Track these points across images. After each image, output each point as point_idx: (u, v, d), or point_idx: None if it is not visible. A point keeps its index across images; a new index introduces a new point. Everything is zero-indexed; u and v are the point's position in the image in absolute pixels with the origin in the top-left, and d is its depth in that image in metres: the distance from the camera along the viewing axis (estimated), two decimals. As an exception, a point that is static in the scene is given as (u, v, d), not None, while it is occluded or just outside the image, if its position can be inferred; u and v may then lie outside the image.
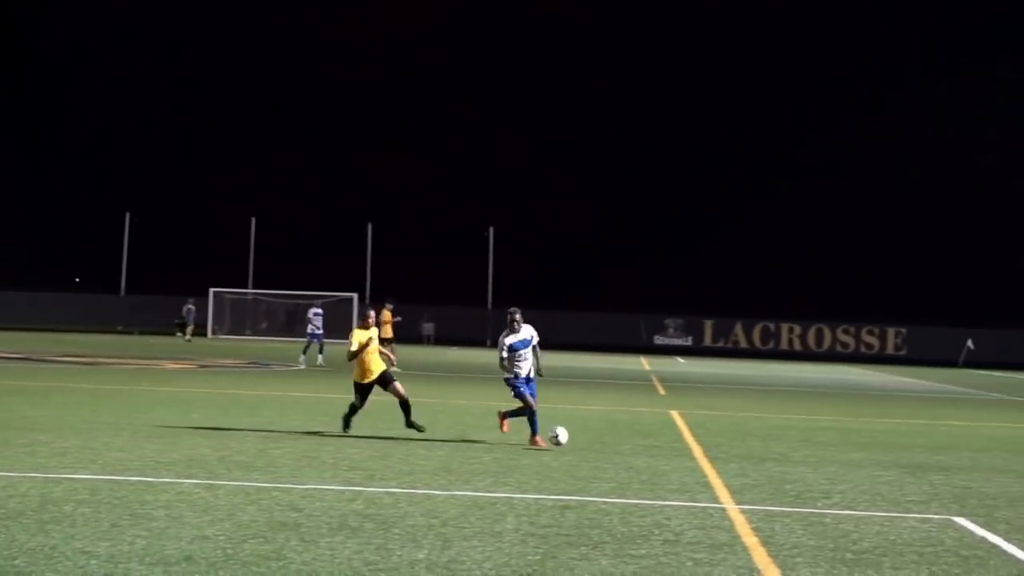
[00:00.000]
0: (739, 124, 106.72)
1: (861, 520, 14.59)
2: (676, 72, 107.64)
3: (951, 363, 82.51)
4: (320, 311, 52.06)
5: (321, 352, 50.27)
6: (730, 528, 13.58)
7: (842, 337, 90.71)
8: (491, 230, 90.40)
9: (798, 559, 11.95)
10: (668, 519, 14.00)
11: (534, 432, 21.14)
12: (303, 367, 46.99)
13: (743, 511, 14.79)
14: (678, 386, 44.20)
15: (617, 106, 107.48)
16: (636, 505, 15.00)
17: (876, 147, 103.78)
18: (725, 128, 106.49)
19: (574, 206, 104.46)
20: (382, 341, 45.77)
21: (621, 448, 21.58)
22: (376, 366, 22.52)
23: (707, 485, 17.12)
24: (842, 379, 58.44)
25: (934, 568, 11.77)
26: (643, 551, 12.02)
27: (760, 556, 12.02)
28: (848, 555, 12.29)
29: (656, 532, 13.10)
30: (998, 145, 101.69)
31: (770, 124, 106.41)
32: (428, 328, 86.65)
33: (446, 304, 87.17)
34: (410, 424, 22.05)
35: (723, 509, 14.94)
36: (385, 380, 22.43)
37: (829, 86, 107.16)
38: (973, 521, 14.75)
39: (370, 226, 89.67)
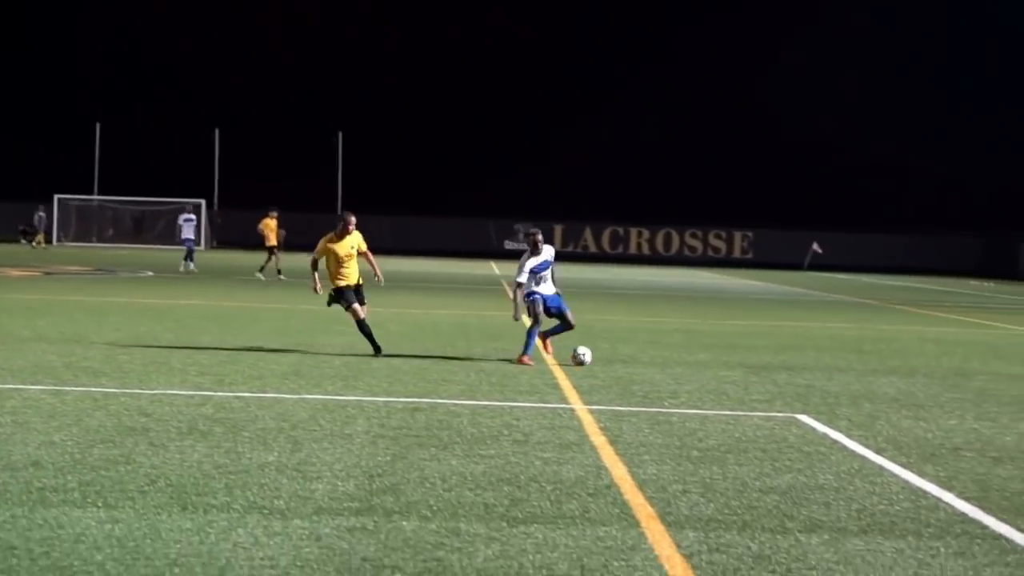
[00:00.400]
0: (584, 27, 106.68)
1: (707, 419, 14.84)
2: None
3: (797, 266, 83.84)
4: (192, 217, 51.54)
5: (190, 259, 49.87)
6: (578, 428, 13.74)
7: (690, 241, 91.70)
8: (339, 135, 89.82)
9: (645, 456, 12.14)
10: (517, 420, 14.13)
11: (544, 336, 20.75)
12: (191, 271, 47.63)
13: (591, 411, 14.97)
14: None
15: (466, 9, 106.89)
16: (486, 407, 15.12)
17: (723, 47, 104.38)
18: (574, 31, 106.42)
19: (423, 111, 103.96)
20: (270, 250, 45.67)
21: (472, 351, 21.69)
22: (353, 274, 20.69)
23: (556, 387, 17.28)
24: (690, 282, 59.14)
25: (777, 464, 12.02)
26: (492, 451, 12.12)
27: (607, 454, 12.18)
28: (694, 452, 12.50)
29: (505, 432, 13.21)
30: (828, 51, 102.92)
31: (612, 25, 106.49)
32: (279, 235, 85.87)
33: (295, 211, 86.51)
34: (375, 346, 20.49)
35: (572, 409, 15.10)
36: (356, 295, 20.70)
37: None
38: (816, 418, 15.06)
39: (217, 132, 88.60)
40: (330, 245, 20.54)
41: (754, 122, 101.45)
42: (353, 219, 20.84)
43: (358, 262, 20.86)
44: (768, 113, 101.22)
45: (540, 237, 20.67)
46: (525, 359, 20.13)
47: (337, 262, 20.54)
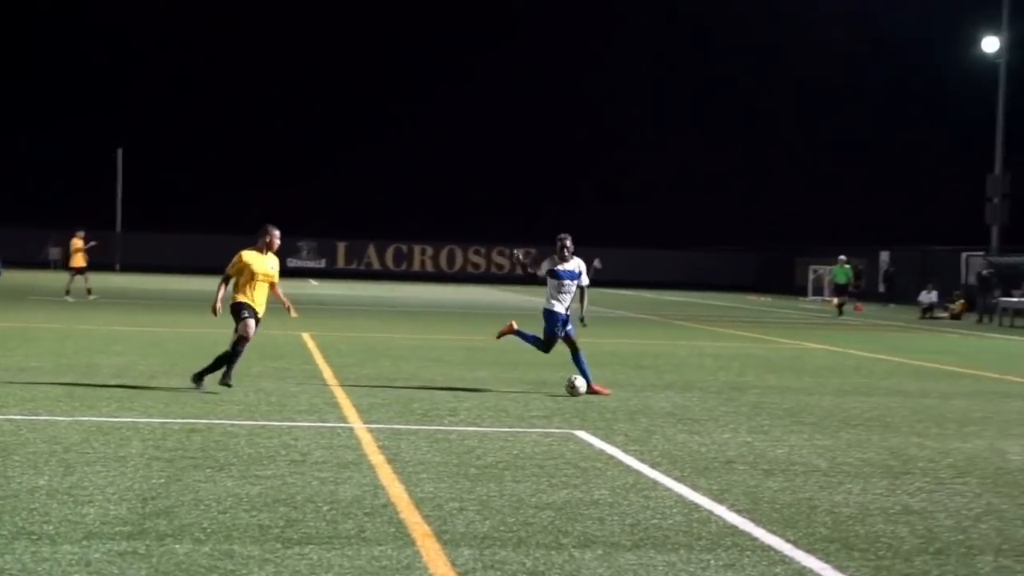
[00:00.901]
0: (368, 43, 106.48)
1: (486, 436, 14.89)
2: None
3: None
4: None
5: None
6: (357, 447, 13.69)
7: (473, 258, 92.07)
8: (120, 152, 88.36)
9: (423, 475, 12.14)
10: (296, 440, 14.02)
11: (588, 383, 19.58)
12: None
13: (371, 430, 14.93)
14: (311, 308, 44.14)
15: (247, 26, 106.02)
16: (264, 427, 14.98)
17: (496, 66, 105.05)
18: (351, 52, 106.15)
19: (205, 126, 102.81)
20: (76, 271, 44.34)
21: (251, 371, 21.46)
22: (262, 301, 18.55)
23: (336, 405, 17.20)
24: (473, 299, 59.36)
25: (553, 480, 12.11)
26: (269, 471, 12.02)
27: (385, 473, 12.16)
28: (472, 469, 12.53)
29: (283, 452, 13.11)
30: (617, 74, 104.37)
31: (394, 45, 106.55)
32: (55, 253, 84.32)
33: (72, 227, 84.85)
34: (225, 377, 18.17)
35: (351, 429, 15.04)
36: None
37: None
38: (593, 434, 15.22)
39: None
40: (248, 260, 18.31)
41: (539, 136, 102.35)
42: (278, 233, 18.67)
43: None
44: (556, 126, 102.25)
45: (570, 243, 19.91)
46: (601, 389, 19.65)
47: (251, 282, 18.34)
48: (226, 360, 18.20)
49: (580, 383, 19.20)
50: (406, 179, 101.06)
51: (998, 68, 63.63)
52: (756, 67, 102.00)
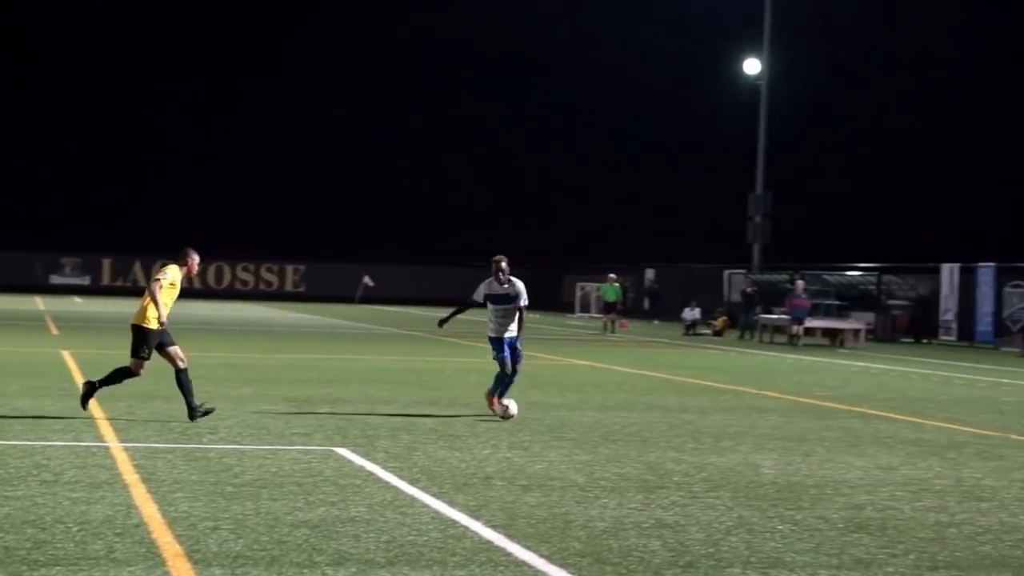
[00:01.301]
0: (156, 58, 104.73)
1: (245, 454, 14.75)
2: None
3: (349, 299, 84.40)
4: None
5: None
6: (111, 466, 13.44)
7: (242, 275, 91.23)
8: None
9: (178, 494, 11.96)
10: (48, 459, 13.72)
11: (494, 393, 19.29)
12: None
13: (127, 449, 14.68)
14: (73, 326, 43.36)
15: (27, 35, 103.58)
16: (15, 446, 14.63)
17: (269, 79, 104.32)
18: (131, 63, 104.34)
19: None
20: None
21: (7, 390, 20.99)
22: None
23: (92, 424, 16.89)
24: (240, 316, 58.83)
25: (311, 497, 12.03)
26: (19, 492, 11.74)
27: (139, 492, 11.96)
28: (228, 488, 12.39)
29: (35, 473, 12.82)
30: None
31: (189, 59, 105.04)
32: None
33: None
34: (192, 412, 17.44)
35: (107, 448, 14.78)
36: (165, 341, 17.86)
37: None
38: (354, 451, 15.17)
39: None
40: (174, 279, 17.72)
41: (307, 153, 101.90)
42: (196, 257, 18.12)
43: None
44: (319, 144, 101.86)
45: (505, 265, 19.45)
46: (495, 403, 19.19)
47: (168, 300, 17.71)
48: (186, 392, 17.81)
49: (512, 405, 18.94)
50: (173, 193, 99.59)
51: (759, 90, 65.17)
52: (522, 82, 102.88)
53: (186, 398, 17.52)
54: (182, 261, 17.90)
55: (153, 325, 17.43)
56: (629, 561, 9.87)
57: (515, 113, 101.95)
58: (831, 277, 59.94)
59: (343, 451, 15.16)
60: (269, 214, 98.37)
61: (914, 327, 56.60)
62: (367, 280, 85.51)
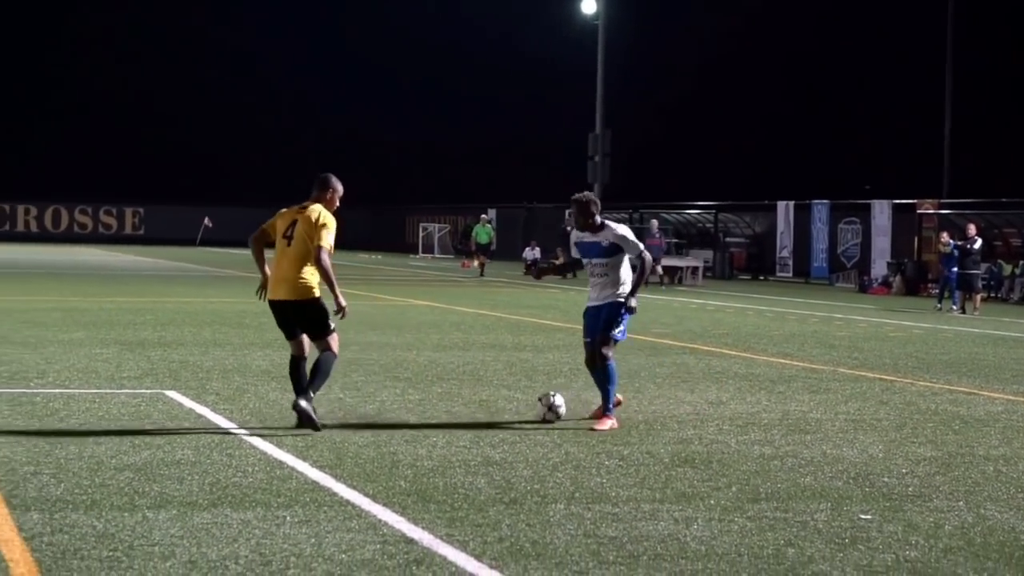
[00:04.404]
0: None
1: (72, 398, 14.56)
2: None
3: (190, 242, 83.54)
4: None
5: None
6: (-68, 412, 13.19)
7: (80, 218, 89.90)
8: None
9: (0, 439, 11.77)
10: None
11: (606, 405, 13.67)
12: None
13: (-51, 394, 14.41)
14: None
15: None
16: None
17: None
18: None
19: None
20: None
21: None
22: None
23: (-84, 370, 16.54)
24: (76, 260, 57.96)
25: (136, 441, 11.88)
26: None
27: (-40, 438, 11.77)
28: (53, 432, 12.22)
29: None
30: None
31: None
32: None
33: None
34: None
35: (-71, 393, 14.49)
36: None
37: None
38: (184, 394, 15.03)
39: None
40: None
41: (145, 95, 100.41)
42: None
43: None
44: (156, 84, 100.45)
45: (593, 207, 13.92)
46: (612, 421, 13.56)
47: None
48: None
49: (562, 402, 13.82)
50: (6, 135, 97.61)
51: (597, 29, 65.36)
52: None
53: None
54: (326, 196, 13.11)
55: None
56: (454, 499, 9.90)
57: (365, 55, 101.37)
58: (669, 215, 60.54)
59: (173, 394, 15.02)
60: (106, 156, 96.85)
61: (751, 264, 57.45)
62: (207, 222, 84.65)
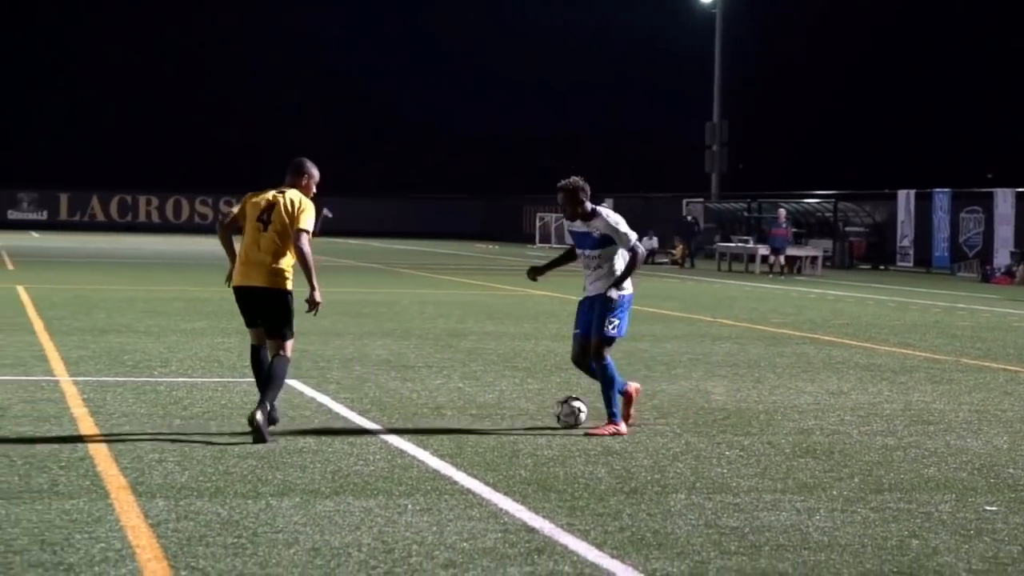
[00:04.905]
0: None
1: (195, 387, 14.73)
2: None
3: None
4: None
5: None
6: (60, 400, 13.39)
7: (200, 208, 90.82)
8: None
9: (126, 427, 11.94)
10: (8, 397, 13.65)
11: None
12: None
13: (76, 383, 14.62)
14: (29, 261, 43.12)
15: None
16: (-33, 381, 14.57)
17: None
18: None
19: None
20: None
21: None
22: None
23: (43, 359, 16.81)
24: (197, 250, 58.59)
25: (259, 429, 12.01)
26: (-35, 427, 11.71)
27: (87, 426, 11.93)
28: (177, 421, 12.38)
29: (-11, 408, 12.78)
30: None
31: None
32: None
33: None
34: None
35: (56, 382, 14.72)
36: None
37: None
38: (305, 383, 15.14)
39: None
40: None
41: (266, 90, 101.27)
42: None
43: None
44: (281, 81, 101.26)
45: (582, 195, 12.70)
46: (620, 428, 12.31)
47: None
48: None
49: (583, 408, 12.58)
50: (131, 128, 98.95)
51: (714, 17, 65.02)
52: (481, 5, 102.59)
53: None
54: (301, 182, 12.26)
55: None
56: (575, 488, 9.90)
57: (475, 42, 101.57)
58: (787, 205, 60.05)
59: (295, 383, 15.12)
60: (225, 148, 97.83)
61: (871, 254, 56.86)
62: (326, 212, 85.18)
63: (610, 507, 9.33)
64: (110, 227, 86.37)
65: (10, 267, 39.29)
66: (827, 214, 59.46)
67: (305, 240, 11.79)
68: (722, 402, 14.55)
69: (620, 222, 12.66)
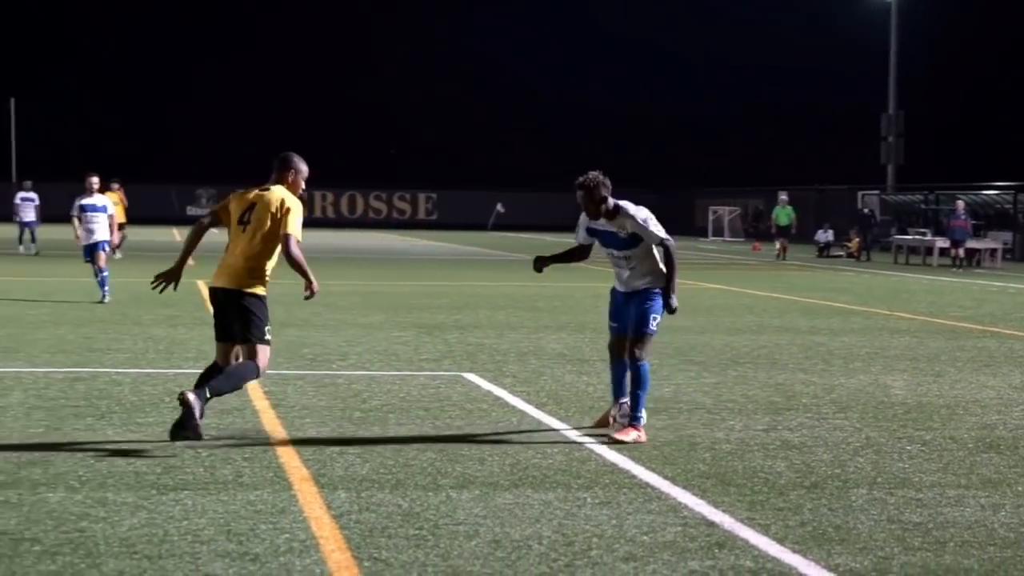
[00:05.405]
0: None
1: (374, 380, 14.88)
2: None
3: (481, 226, 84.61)
4: (32, 196, 44.50)
5: (32, 240, 43.74)
6: (241, 392, 13.52)
7: (374, 203, 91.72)
8: (12, 101, 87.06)
9: (306, 419, 12.11)
10: (180, 387, 13.85)
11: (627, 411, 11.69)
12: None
13: (257, 376, 14.83)
14: (209, 256, 43.73)
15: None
16: (149, 375, 14.87)
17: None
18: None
19: (100, 73, 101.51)
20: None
21: (142, 319, 21.32)
22: None
23: (225, 352, 17.08)
24: (372, 245, 59.23)
25: (437, 422, 12.12)
26: (152, 418, 11.96)
27: (269, 418, 12.12)
28: (356, 413, 12.52)
29: (167, 400, 13.02)
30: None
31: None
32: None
33: None
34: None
35: (238, 375, 14.94)
36: None
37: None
38: (482, 376, 15.23)
39: None
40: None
41: (422, 85, 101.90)
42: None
43: None
44: (449, 74, 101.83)
45: (603, 190, 11.69)
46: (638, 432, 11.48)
47: None
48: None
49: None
50: (306, 124, 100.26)
51: (890, 7, 64.07)
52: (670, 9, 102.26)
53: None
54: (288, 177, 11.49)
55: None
56: (754, 482, 9.84)
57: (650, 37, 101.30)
58: (965, 196, 58.96)
59: (471, 376, 15.23)
60: (401, 143, 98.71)
61: (1052, 246, 55.58)
62: (499, 207, 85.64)
63: (790, 501, 9.25)
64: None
65: (190, 263, 39.94)
66: (1006, 206, 58.25)
67: (294, 245, 10.93)
68: (902, 396, 14.36)
69: (648, 218, 11.63)
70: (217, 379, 10.83)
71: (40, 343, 17.63)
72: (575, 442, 11.28)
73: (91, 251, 25.20)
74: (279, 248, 10.97)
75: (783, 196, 52.88)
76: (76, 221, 25.67)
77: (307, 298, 11.19)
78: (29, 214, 44.20)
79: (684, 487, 9.61)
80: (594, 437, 11.46)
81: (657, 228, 11.57)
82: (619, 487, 9.58)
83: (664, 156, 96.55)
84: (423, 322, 21.82)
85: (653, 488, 9.59)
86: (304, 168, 11.39)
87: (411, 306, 25.07)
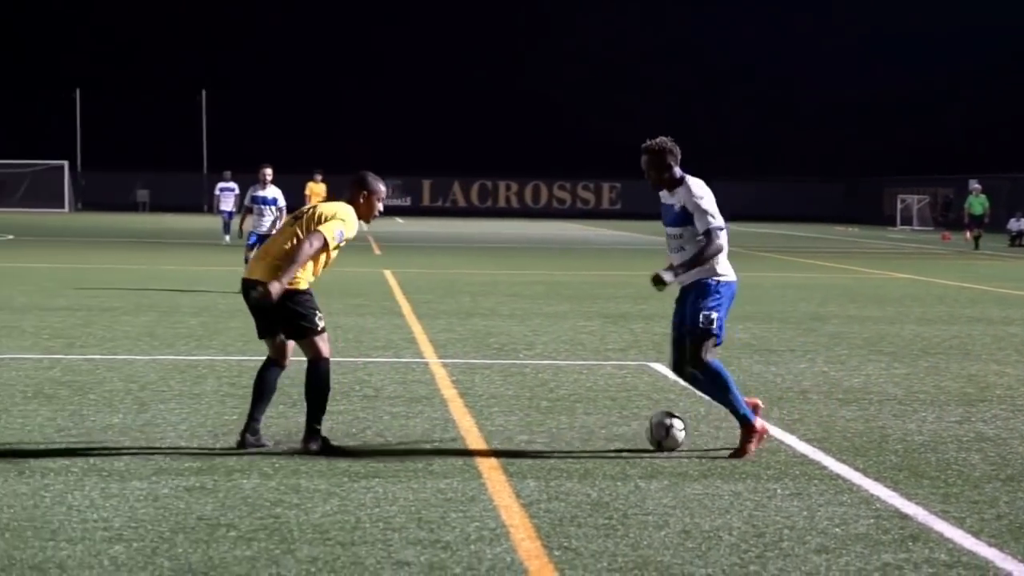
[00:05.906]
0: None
1: (560, 369, 14.90)
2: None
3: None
4: (232, 186, 45.54)
5: (226, 230, 44.50)
6: (430, 382, 13.73)
7: (559, 193, 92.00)
8: (203, 93, 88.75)
9: (494, 408, 12.16)
10: (370, 375, 14.09)
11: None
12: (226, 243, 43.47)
13: (445, 365, 14.96)
14: (395, 246, 44.33)
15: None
16: (339, 363, 14.96)
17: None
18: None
19: (286, 67, 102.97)
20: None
21: (331, 308, 21.49)
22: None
23: (412, 341, 17.26)
24: (557, 234, 59.34)
25: (624, 412, 12.10)
26: (342, 407, 12.08)
27: (457, 407, 12.20)
28: (543, 403, 12.55)
29: (357, 388, 13.18)
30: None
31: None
32: (143, 195, 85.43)
33: (160, 170, 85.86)
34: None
35: (426, 364, 15.09)
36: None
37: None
38: (668, 366, 15.15)
39: (78, 91, 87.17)
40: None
41: (613, 74, 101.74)
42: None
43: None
44: (633, 65, 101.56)
45: (670, 158, 10.64)
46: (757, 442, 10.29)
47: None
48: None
49: (679, 428, 10.43)
50: (491, 115, 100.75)
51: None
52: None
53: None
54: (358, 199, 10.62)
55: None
56: (948, 475, 9.67)
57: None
58: None
59: (657, 366, 15.18)
60: (585, 132, 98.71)
61: None
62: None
63: (986, 494, 9.07)
64: (470, 212, 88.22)
65: (377, 252, 40.51)
66: None
67: (315, 240, 10.15)
68: (1100, 388, 14.01)
69: (704, 197, 10.35)
70: (312, 411, 10.23)
71: (232, 331, 17.94)
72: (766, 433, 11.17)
73: (255, 242, 25.04)
74: (322, 251, 10.33)
75: (976, 185, 51.32)
76: (246, 212, 25.82)
77: (259, 294, 10.01)
78: (229, 204, 45.09)
79: (876, 479, 9.48)
80: (783, 428, 11.35)
81: (711, 209, 10.32)
82: (809, 478, 9.48)
83: (854, 148, 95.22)
84: (608, 311, 21.81)
85: (844, 480, 9.47)
86: (379, 188, 10.58)
87: (596, 295, 25.06)
